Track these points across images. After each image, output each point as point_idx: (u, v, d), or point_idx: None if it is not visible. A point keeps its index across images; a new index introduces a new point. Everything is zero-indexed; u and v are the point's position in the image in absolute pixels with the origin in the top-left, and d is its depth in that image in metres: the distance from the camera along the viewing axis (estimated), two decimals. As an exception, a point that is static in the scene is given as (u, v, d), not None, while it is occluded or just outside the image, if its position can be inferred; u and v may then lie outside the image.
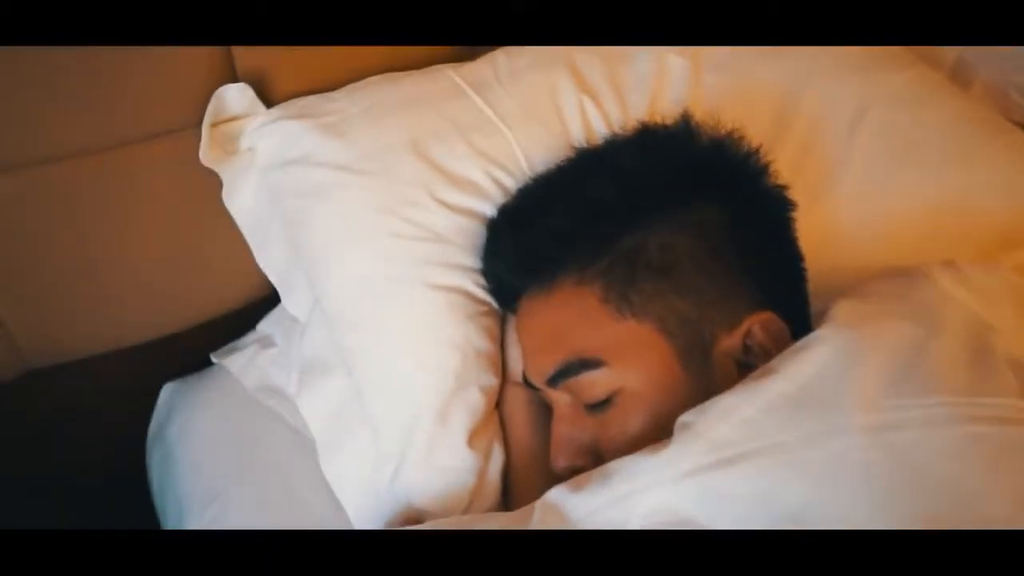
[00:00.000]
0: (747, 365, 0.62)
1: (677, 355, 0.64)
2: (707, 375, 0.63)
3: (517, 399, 0.73)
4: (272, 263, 0.82)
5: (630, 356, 0.64)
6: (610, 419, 0.64)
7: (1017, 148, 0.84)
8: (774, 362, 0.58)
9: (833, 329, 0.59)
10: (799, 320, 0.65)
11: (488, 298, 0.74)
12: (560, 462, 0.65)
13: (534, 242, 0.68)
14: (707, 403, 0.57)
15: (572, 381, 0.65)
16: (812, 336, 0.59)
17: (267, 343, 0.91)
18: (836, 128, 0.82)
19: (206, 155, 0.78)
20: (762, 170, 0.69)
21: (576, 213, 0.66)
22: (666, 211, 0.66)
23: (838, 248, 0.77)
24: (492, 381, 0.73)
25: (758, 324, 0.64)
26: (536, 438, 0.72)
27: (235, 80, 0.79)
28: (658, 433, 0.58)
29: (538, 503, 0.59)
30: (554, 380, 0.66)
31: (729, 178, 0.68)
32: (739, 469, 0.53)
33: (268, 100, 0.81)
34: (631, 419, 0.63)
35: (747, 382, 0.57)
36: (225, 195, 0.80)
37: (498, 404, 0.74)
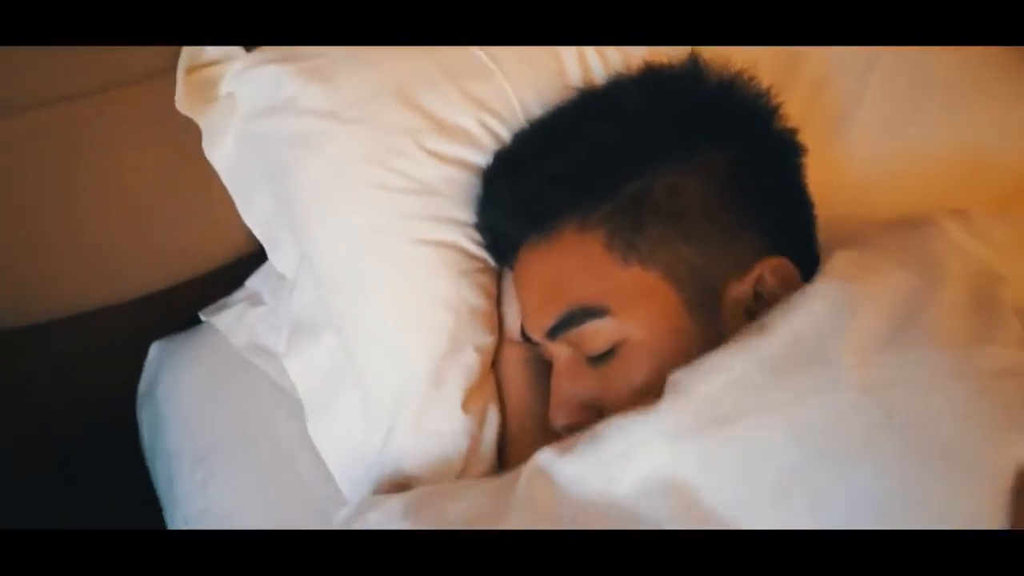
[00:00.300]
0: (758, 313, 0.59)
1: (684, 304, 0.61)
2: (716, 325, 0.60)
3: (514, 358, 0.71)
4: (257, 217, 0.79)
5: (635, 305, 0.61)
6: (613, 372, 0.61)
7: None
8: (768, 317, 0.56)
9: (828, 282, 0.56)
10: (810, 267, 0.62)
11: (483, 253, 0.71)
12: (560, 419, 0.63)
13: (533, 187, 0.64)
14: (698, 360, 0.55)
15: (574, 332, 0.62)
16: (806, 289, 0.57)
17: (256, 300, 0.89)
18: (850, 66, 0.79)
19: (182, 102, 0.75)
20: (772, 112, 0.66)
21: (578, 156, 0.63)
22: (673, 154, 0.63)
23: (849, 194, 0.74)
24: (488, 340, 0.70)
25: (769, 270, 0.61)
26: (534, 398, 0.69)
27: (212, 23, 0.75)
28: (663, 386, 0.56)
29: (525, 466, 0.57)
30: (555, 331, 0.63)
31: (738, 120, 0.65)
32: (730, 429, 0.51)
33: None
34: (635, 371, 0.60)
35: (739, 338, 0.55)
36: (205, 145, 0.77)
37: (494, 364, 0.71)
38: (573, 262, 0.63)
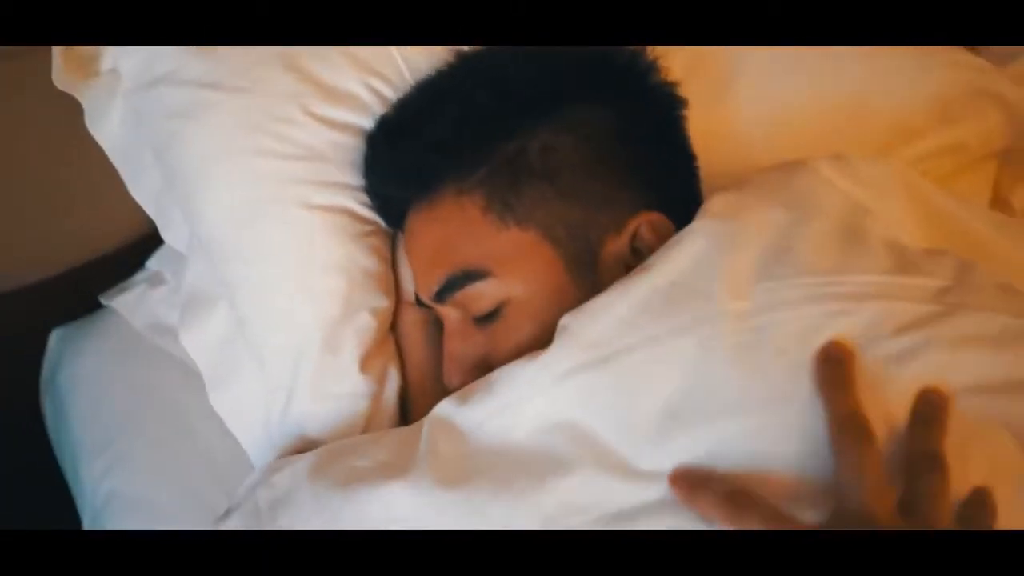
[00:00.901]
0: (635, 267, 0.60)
1: (564, 261, 0.62)
2: (595, 280, 0.61)
3: (411, 319, 0.71)
4: (146, 193, 0.78)
5: (515, 265, 0.62)
6: (499, 331, 0.62)
7: (915, 39, 0.83)
8: (650, 259, 0.57)
9: (705, 221, 0.59)
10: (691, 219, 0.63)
11: (375, 217, 0.71)
12: (454, 379, 0.64)
13: (412, 154, 0.65)
14: (584, 305, 0.56)
15: (459, 294, 0.63)
16: (685, 229, 0.59)
17: (157, 280, 0.88)
18: None
19: (60, 78, 0.73)
20: (649, 67, 0.67)
21: (454, 121, 0.63)
22: (548, 114, 0.63)
23: (734, 147, 0.75)
24: (383, 303, 0.70)
25: (645, 224, 0.63)
26: (432, 357, 0.70)
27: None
28: (548, 342, 0.57)
29: (427, 418, 0.58)
30: (441, 295, 0.64)
31: (614, 76, 0.66)
32: (614, 365, 0.53)
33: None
34: (520, 329, 0.62)
35: (623, 280, 0.57)
36: (88, 121, 0.75)
37: (392, 326, 0.72)
38: (454, 226, 0.63)
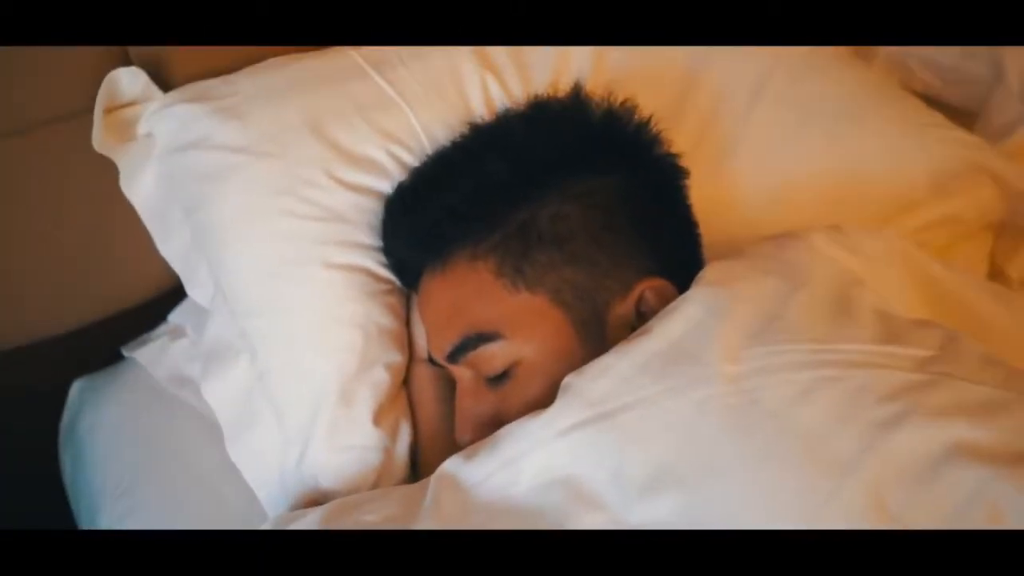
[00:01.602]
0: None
1: (572, 324, 0.65)
2: (602, 342, 0.64)
3: (423, 376, 0.74)
4: (174, 251, 0.81)
5: (525, 328, 0.64)
6: (510, 390, 0.65)
7: (911, 114, 0.87)
8: (650, 323, 0.60)
9: (701, 288, 0.61)
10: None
11: (391, 276, 0.74)
12: (465, 436, 0.66)
13: (428, 220, 0.68)
14: (587, 365, 0.59)
15: (471, 355, 0.65)
16: (683, 296, 0.61)
17: (178, 334, 0.90)
18: (736, 100, 0.84)
19: (100, 142, 0.76)
20: (654, 139, 0.70)
21: (468, 189, 0.67)
22: (558, 183, 0.66)
23: (737, 217, 0.78)
24: (397, 358, 0.73)
25: (650, 290, 0.65)
26: (443, 413, 0.72)
27: (128, 64, 0.77)
28: (548, 402, 0.59)
29: (434, 474, 0.60)
30: (454, 356, 0.66)
31: (621, 148, 0.69)
32: (611, 423, 0.55)
33: (166, 85, 0.79)
34: (530, 389, 0.64)
35: (624, 343, 0.59)
36: (123, 183, 0.79)
37: (405, 381, 0.74)
38: (466, 290, 0.66)
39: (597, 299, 0.65)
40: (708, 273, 0.63)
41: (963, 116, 0.92)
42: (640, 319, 0.65)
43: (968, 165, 0.83)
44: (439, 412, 0.72)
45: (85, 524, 0.88)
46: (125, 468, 0.85)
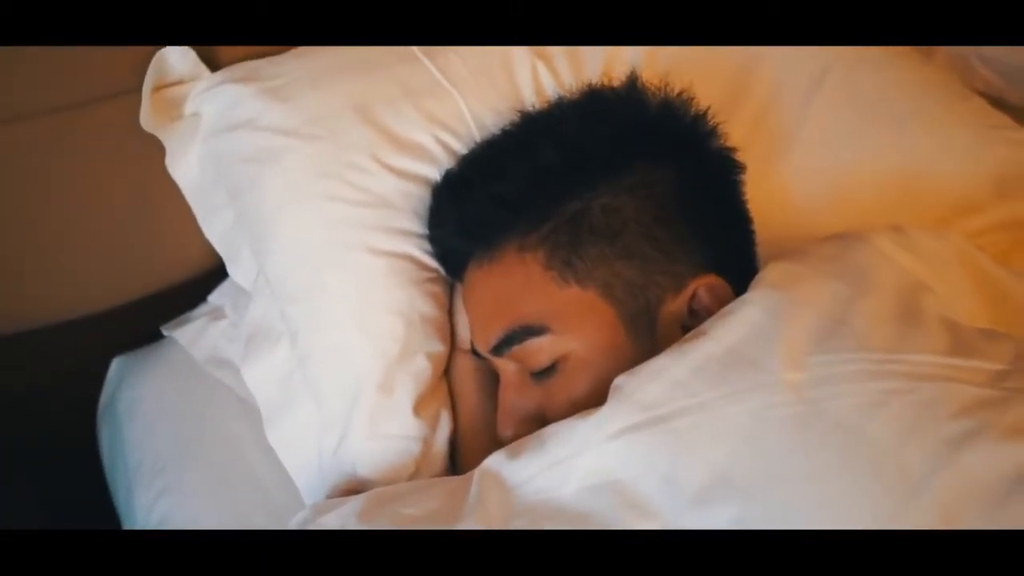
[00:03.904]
0: (692, 329, 0.61)
1: (622, 320, 0.63)
2: (652, 339, 0.62)
3: (465, 367, 0.72)
4: (217, 231, 0.80)
5: (574, 322, 0.63)
6: (556, 386, 0.63)
7: (975, 114, 0.84)
8: (705, 324, 0.58)
9: (761, 291, 0.59)
10: (748, 284, 0.64)
11: (435, 264, 0.72)
12: (507, 431, 0.65)
13: (476, 209, 0.66)
14: (639, 366, 0.57)
15: (517, 349, 0.64)
16: (742, 298, 0.59)
17: (218, 315, 0.90)
18: (794, 92, 0.82)
19: (147, 120, 0.76)
20: (711, 132, 0.68)
21: (519, 178, 0.65)
22: (611, 174, 0.65)
23: (791, 215, 0.76)
24: (439, 348, 0.72)
25: (704, 287, 0.64)
26: (484, 406, 0.71)
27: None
28: (603, 399, 0.57)
29: (477, 470, 0.58)
30: (499, 348, 0.65)
31: (676, 140, 0.67)
32: (665, 427, 0.53)
33: (214, 64, 0.79)
34: (577, 385, 0.62)
35: (678, 344, 0.57)
36: (169, 162, 0.78)
37: (446, 372, 0.73)
38: (514, 282, 0.64)
39: (649, 295, 0.63)
40: (769, 274, 0.61)
41: (1026, 118, 0.89)
42: (693, 318, 0.63)
43: (1034, 168, 0.80)
44: (480, 404, 0.71)
45: (121, 502, 0.88)
46: (162, 447, 0.85)
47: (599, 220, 0.64)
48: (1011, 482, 0.47)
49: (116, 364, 0.93)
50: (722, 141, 0.69)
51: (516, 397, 0.65)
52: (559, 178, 0.64)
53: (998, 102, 0.91)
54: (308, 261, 0.71)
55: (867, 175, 0.78)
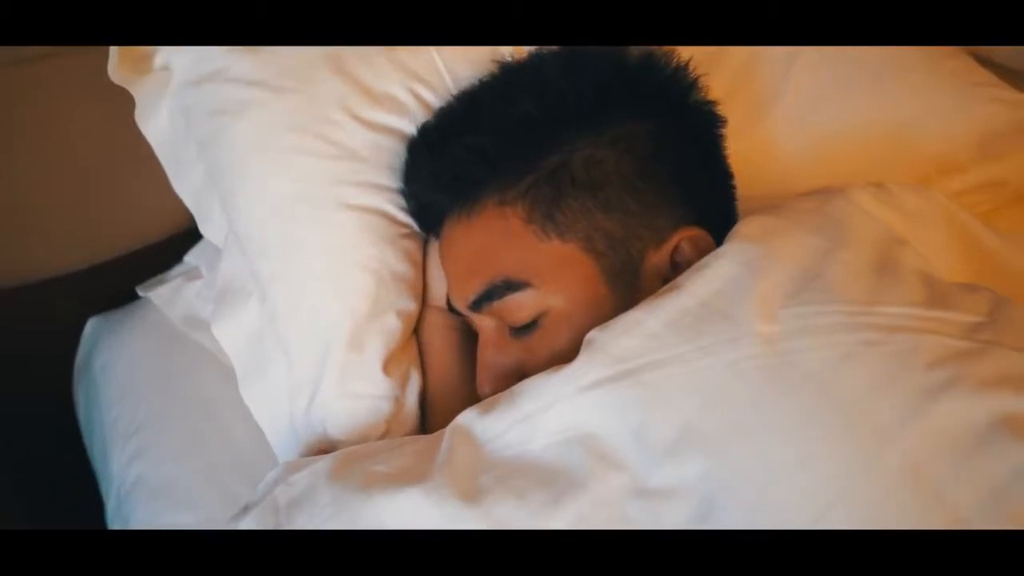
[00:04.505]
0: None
1: (604, 274, 0.62)
2: (634, 294, 0.61)
3: (436, 324, 0.72)
4: (188, 188, 0.79)
5: (556, 277, 0.62)
6: (536, 342, 0.63)
7: (958, 72, 0.83)
8: (680, 278, 0.57)
9: (737, 244, 0.58)
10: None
11: (409, 220, 0.71)
12: (485, 388, 0.64)
13: (453, 162, 0.65)
14: (613, 320, 0.56)
15: (497, 304, 0.63)
16: (716, 251, 0.58)
17: (193, 275, 0.90)
18: (775, 50, 0.81)
19: (115, 72, 0.74)
20: (691, 85, 0.67)
21: (498, 130, 0.64)
22: (592, 127, 0.63)
23: (772, 172, 0.76)
24: (410, 306, 0.71)
25: (686, 240, 0.63)
26: (456, 364, 0.70)
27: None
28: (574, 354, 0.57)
29: (449, 427, 0.58)
30: (478, 304, 0.64)
31: (657, 92, 0.66)
32: (637, 380, 0.53)
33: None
34: (558, 340, 0.61)
35: (652, 298, 0.56)
36: (138, 116, 0.77)
37: (416, 329, 0.72)
38: (494, 236, 0.63)
39: (631, 249, 0.62)
40: (744, 227, 0.60)
41: (1012, 76, 0.88)
42: (675, 270, 0.62)
43: (1015, 126, 0.79)
44: (451, 361, 0.71)
45: (98, 461, 0.88)
46: (137, 407, 0.84)
47: (581, 173, 0.62)
48: (981, 434, 0.47)
49: (91, 325, 0.93)
50: (704, 93, 0.68)
51: (495, 354, 0.64)
52: (539, 130, 0.63)
53: (984, 60, 0.89)
54: (277, 216, 0.69)
55: (848, 134, 0.77)
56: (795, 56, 0.80)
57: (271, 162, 0.69)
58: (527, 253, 0.62)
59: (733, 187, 0.70)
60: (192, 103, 0.73)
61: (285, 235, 0.69)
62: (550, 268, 0.62)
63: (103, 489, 0.86)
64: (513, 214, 0.63)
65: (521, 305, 0.62)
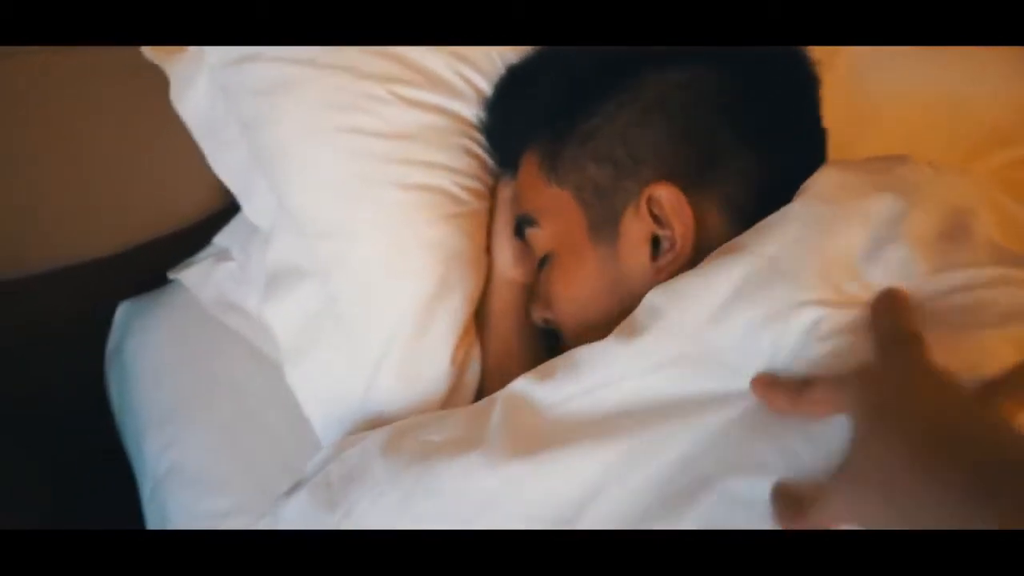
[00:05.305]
0: (658, 240, 0.61)
1: (588, 225, 0.64)
2: (614, 248, 0.62)
3: (502, 295, 0.72)
4: (229, 168, 0.78)
5: (552, 220, 0.66)
6: (543, 279, 0.67)
7: (1020, 50, 0.82)
8: (743, 237, 0.56)
9: (806, 203, 0.57)
10: (746, 198, 0.61)
11: (469, 197, 0.71)
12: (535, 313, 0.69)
13: (511, 118, 0.69)
14: (675, 283, 0.55)
15: (528, 233, 0.68)
16: (784, 210, 0.57)
17: (224, 257, 0.88)
18: None
19: (149, 50, 0.72)
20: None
21: (551, 89, 0.67)
22: (617, 85, 0.64)
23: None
24: (473, 285, 0.70)
25: (663, 191, 0.61)
26: (517, 342, 0.70)
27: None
28: (577, 305, 0.64)
29: (499, 394, 0.57)
30: (519, 229, 0.70)
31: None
32: (712, 359, 0.52)
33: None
34: (552, 284, 0.66)
35: (718, 260, 0.55)
36: (173, 96, 0.76)
37: (484, 302, 0.72)
38: (524, 177, 0.69)
39: (615, 202, 0.63)
40: (816, 184, 0.58)
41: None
42: (657, 224, 0.61)
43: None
44: (514, 341, 0.70)
45: (131, 447, 0.88)
46: (170, 392, 0.84)
47: (581, 124, 0.64)
48: None
49: (122, 309, 0.92)
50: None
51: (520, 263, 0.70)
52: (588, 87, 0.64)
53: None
54: (334, 196, 0.68)
55: (901, 102, 0.77)
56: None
57: (323, 142, 0.68)
58: (537, 194, 0.67)
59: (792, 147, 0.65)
60: (233, 82, 0.72)
61: (345, 216, 0.69)
62: (549, 211, 0.66)
63: (138, 475, 0.86)
64: (533, 160, 0.67)
65: (536, 240, 0.68)
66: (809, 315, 0.51)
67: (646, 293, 0.56)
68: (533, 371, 0.57)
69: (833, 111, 0.75)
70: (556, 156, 0.64)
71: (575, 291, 0.64)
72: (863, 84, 0.77)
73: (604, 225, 0.63)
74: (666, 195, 0.60)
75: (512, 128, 0.69)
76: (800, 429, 0.48)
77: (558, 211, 0.64)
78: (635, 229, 0.62)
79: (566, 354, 0.57)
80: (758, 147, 0.62)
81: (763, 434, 0.50)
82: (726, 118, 0.62)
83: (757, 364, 0.51)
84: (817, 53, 0.75)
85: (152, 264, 0.92)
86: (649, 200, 0.61)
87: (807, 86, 0.66)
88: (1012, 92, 0.77)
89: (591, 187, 0.63)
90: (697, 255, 0.58)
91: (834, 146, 0.73)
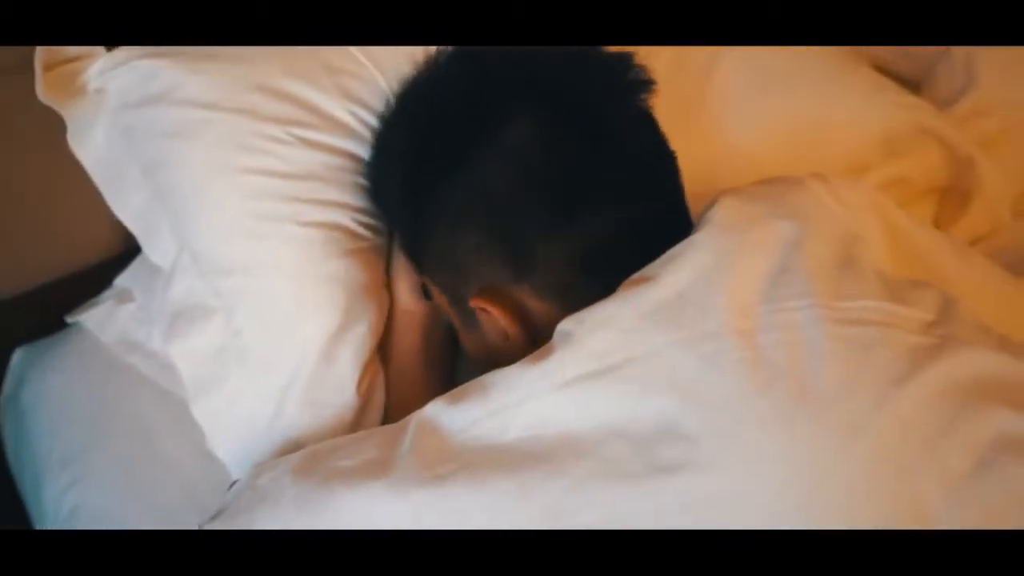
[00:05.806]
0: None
1: (455, 313, 0.68)
2: (481, 332, 0.66)
3: (404, 323, 0.74)
4: (131, 210, 0.77)
5: (435, 294, 0.70)
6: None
7: (863, 80, 0.89)
8: (652, 267, 0.58)
9: (710, 232, 0.59)
10: (576, 271, 0.61)
11: (368, 233, 0.73)
12: None
13: (373, 196, 0.72)
14: (585, 312, 0.56)
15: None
16: (690, 240, 0.59)
17: (125, 297, 0.88)
18: (698, 56, 0.85)
19: (43, 93, 0.72)
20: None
21: (393, 182, 0.68)
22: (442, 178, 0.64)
23: (698, 173, 0.76)
24: (375, 316, 0.72)
25: (484, 304, 0.63)
26: (421, 367, 0.73)
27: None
28: (481, 357, 0.67)
29: (413, 416, 0.57)
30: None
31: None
32: (615, 376, 0.53)
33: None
34: (459, 335, 0.70)
35: (627, 290, 0.57)
36: (71, 139, 0.75)
37: (386, 334, 0.74)
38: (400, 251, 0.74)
39: (466, 303, 0.65)
40: (716, 214, 0.60)
41: (910, 86, 0.95)
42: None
43: (916, 128, 0.86)
44: (417, 365, 0.73)
45: (29, 494, 0.86)
46: (72, 436, 0.83)
47: (421, 222, 0.66)
48: (944, 422, 0.50)
49: (18, 355, 0.90)
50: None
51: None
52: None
53: (883, 70, 0.96)
54: (240, 234, 0.70)
55: (766, 135, 0.81)
56: (715, 61, 0.85)
57: (227, 182, 0.69)
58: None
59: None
60: (136, 124, 0.72)
61: (248, 253, 0.70)
62: (430, 286, 0.70)
63: (35, 522, 0.84)
64: (399, 241, 0.74)
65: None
66: (714, 343, 0.52)
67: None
68: (447, 394, 0.57)
69: (709, 144, 0.81)
70: (413, 250, 0.69)
71: (472, 351, 0.68)
72: (735, 118, 0.82)
73: (466, 317, 0.66)
74: (488, 307, 0.63)
75: (376, 203, 0.72)
76: None
77: (434, 291, 0.69)
78: (486, 321, 0.65)
79: (479, 378, 0.57)
80: (578, 216, 0.61)
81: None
82: (536, 196, 0.61)
83: (661, 383, 0.52)
84: (691, 92, 0.81)
85: (47, 309, 0.91)
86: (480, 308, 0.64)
87: (629, 107, 0.65)
88: (864, 123, 0.84)
89: (445, 286, 0.67)
90: (532, 340, 0.62)
91: (711, 177, 0.77)
